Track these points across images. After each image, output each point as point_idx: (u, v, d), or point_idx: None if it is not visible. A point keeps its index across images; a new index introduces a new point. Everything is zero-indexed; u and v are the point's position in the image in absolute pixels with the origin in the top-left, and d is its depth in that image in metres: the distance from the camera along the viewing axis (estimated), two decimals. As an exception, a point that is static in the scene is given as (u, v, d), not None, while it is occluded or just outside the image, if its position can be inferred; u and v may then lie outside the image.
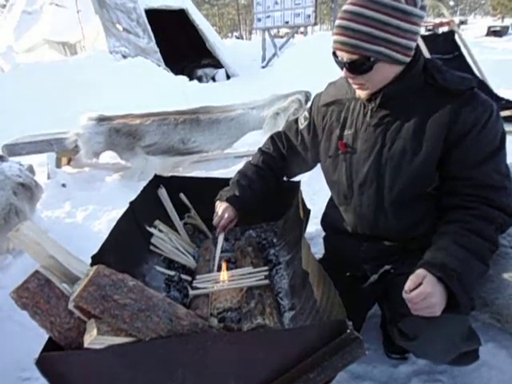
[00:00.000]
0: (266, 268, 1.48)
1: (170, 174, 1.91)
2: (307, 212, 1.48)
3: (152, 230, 1.60)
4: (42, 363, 0.81)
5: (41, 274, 0.86)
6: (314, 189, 2.45)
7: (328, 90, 1.34)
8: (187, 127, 2.92)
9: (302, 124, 1.43)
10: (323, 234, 1.49)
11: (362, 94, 1.16)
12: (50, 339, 0.88)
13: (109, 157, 3.12)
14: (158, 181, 1.82)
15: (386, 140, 1.13)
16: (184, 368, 0.87)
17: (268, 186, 1.50)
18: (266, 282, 1.39)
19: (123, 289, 0.84)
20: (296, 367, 0.86)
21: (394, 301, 1.12)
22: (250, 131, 3.12)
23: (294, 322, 1.24)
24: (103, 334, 0.82)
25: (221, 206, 1.46)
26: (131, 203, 1.52)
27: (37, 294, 0.84)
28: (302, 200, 1.59)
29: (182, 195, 1.83)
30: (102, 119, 2.93)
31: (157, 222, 1.66)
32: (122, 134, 2.84)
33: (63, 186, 2.74)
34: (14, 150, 2.78)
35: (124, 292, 0.84)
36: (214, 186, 1.77)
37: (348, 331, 0.85)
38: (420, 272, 0.95)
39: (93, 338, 0.81)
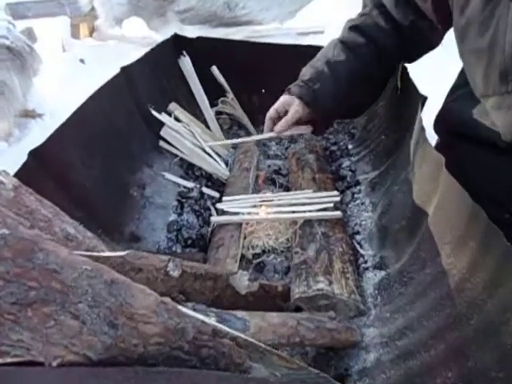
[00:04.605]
0: (336, 192, 0.91)
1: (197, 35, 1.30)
2: (421, 99, 0.84)
3: (163, 116, 1.05)
4: None
5: None
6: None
7: None
8: (235, -15, 2.22)
9: None
10: (433, 140, 0.87)
11: None
12: None
13: (136, 27, 2.51)
14: (178, 43, 1.22)
15: None
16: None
17: (369, 76, 0.90)
18: (338, 213, 0.83)
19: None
20: None
21: None
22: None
23: (384, 297, 0.68)
24: None
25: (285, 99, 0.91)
26: (124, 69, 0.93)
27: None
28: (411, 82, 0.94)
29: (214, 69, 1.26)
30: (126, -26, 2.32)
31: (172, 106, 1.10)
32: (150, -6, 2.24)
33: (81, 61, 2.31)
34: (19, 10, 2.34)
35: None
36: (268, 56, 1.15)
37: None
38: None
39: None
